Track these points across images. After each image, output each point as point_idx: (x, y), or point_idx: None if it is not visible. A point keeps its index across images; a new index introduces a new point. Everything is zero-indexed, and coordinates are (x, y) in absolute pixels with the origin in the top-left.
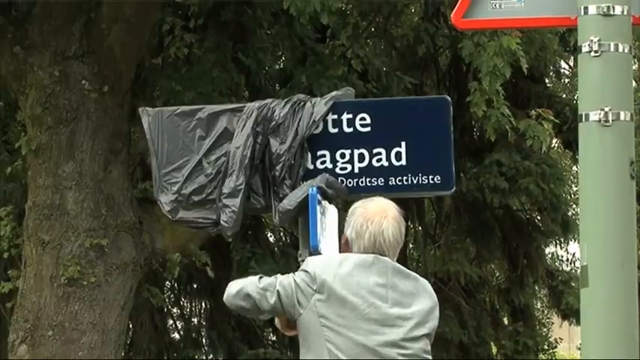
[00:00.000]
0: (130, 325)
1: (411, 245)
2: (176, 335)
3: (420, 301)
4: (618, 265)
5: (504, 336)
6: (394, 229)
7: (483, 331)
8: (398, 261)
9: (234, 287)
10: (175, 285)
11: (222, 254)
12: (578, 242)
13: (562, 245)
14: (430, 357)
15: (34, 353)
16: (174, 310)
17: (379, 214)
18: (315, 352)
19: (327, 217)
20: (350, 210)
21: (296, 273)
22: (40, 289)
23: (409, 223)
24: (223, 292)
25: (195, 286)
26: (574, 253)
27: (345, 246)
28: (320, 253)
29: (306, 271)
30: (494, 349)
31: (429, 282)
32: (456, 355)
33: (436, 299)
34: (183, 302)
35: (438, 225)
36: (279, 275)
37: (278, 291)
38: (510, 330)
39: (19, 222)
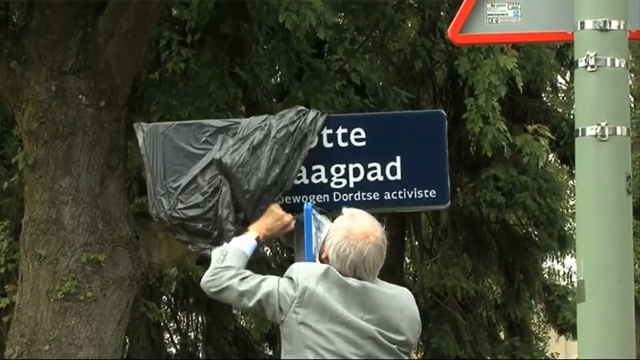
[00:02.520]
0: (127, 340)
1: (407, 260)
2: (173, 350)
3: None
4: (615, 279)
5: (501, 351)
6: (375, 255)
7: (480, 345)
8: (394, 277)
9: (212, 281)
10: (172, 299)
11: None
12: (575, 257)
13: (559, 260)
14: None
15: None
16: (171, 324)
17: (362, 239)
18: (296, 357)
19: (322, 232)
20: (334, 223)
21: (280, 280)
22: (36, 303)
23: (405, 238)
24: (220, 307)
25: (191, 300)
26: (570, 268)
27: (325, 260)
28: None
29: (290, 278)
30: None
31: (426, 297)
32: None
33: (416, 310)
34: (179, 316)
35: (434, 239)
36: (263, 280)
37: (260, 300)
38: (507, 345)
39: (15, 237)
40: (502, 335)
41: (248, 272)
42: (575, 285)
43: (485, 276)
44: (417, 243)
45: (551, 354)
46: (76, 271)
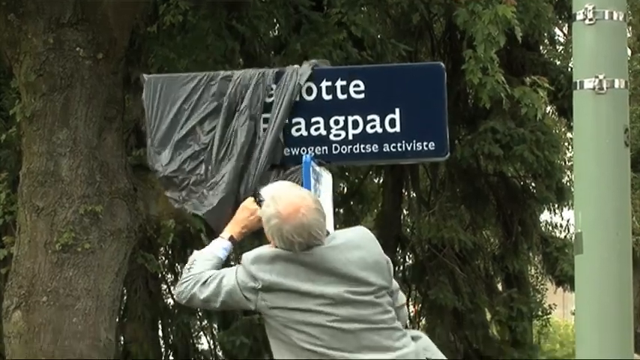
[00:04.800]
0: (125, 291)
1: (405, 211)
2: (170, 301)
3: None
4: (613, 232)
5: (498, 302)
6: (315, 219)
7: (477, 297)
8: (392, 229)
9: (180, 293)
10: (169, 251)
11: None
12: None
13: (556, 212)
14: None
15: (29, 319)
16: (169, 275)
17: (295, 215)
18: (278, 343)
19: (321, 183)
20: (264, 215)
21: (237, 272)
22: (34, 255)
23: (403, 189)
24: None
25: (189, 252)
26: (568, 220)
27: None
28: None
29: (245, 269)
30: (488, 316)
31: (423, 249)
32: (450, 322)
33: (376, 248)
34: (177, 268)
35: (432, 192)
36: (222, 279)
37: (225, 300)
38: (504, 296)
39: (13, 189)
40: (500, 287)
41: (208, 275)
42: (573, 237)
43: (482, 228)
44: (414, 195)
45: (549, 305)
46: (73, 223)
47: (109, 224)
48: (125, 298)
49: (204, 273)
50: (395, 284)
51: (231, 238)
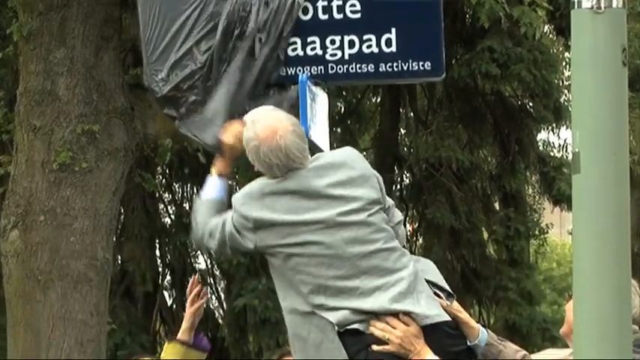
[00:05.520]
0: (122, 210)
1: (402, 131)
2: (167, 220)
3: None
4: (610, 151)
5: (495, 221)
6: (294, 141)
7: (475, 216)
8: (390, 148)
9: (197, 245)
10: (167, 170)
11: None
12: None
13: (554, 131)
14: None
15: (26, 238)
16: (166, 195)
17: (273, 137)
18: (282, 284)
19: (317, 103)
20: (244, 139)
21: (233, 217)
22: (31, 174)
23: (400, 109)
24: None
25: (186, 171)
26: (566, 140)
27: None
28: (311, 140)
29: (237, 212)
30: (485, 235)
31: (421, 168)
32: (447, 241)
33: (361, 164)
34: (174, 187)
35: (429, 111)
36: (224, 226)
37: (231, 246)
38: (501, 215)
39: (10, 108)
40: (497, 206)
41: (212, 225)
42: (570, 156)
43: (480, 147)
44: (412, 114)
45: (546, 225)
46: (70, 142)
47: (106, 143)
48: (122, 217)
49: (209, 223)
50: (389, 201)
51: (220, 175)
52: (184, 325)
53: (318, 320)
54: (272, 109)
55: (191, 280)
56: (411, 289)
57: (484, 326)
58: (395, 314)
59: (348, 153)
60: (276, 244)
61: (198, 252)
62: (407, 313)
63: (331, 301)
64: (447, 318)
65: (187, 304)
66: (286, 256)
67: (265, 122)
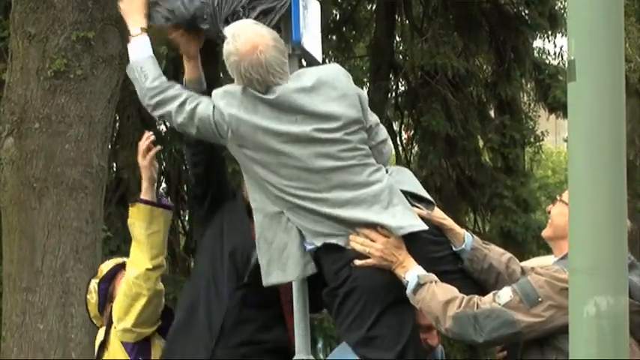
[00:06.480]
0: (117, 118)
1: (398, 39)
2: (163, 127)
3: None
4: (605, 59)
5: (491, 129)
6: (274, 57)
7: (470, 124)
8: (385, 55)
9: (156, 107)
10: None
11: (209, 48)
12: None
13: (549, 39)
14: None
15: (21, 145)
16: None
17: (252, 52)
18: (251, 182)
19: (309, 11)
20: (225, 56)
21: (214, 107)
22: (26, 81)
23: (396, 16)
24: (210, 87)
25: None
26: (562, 47)
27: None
28: (303, 48)
29: (216, 105)
30: (480, 142)
31: (416, 76)
32: (443, 148)
33: (345, 82)
34: None
35: (425, 18)
36: (197, 106)
37: (198, 127)
38: (497, 123)
39: (5, 15)
40: (492, 114)
41: (183, 94)
42: (566, 64)
43: (475, 55)
44: (407, 22)
45: (541, 132)
46: (65, 49)
47: (101, 51)
48: (117, 124)
49: (175, 89)
50: (373, 119)
51: (142, 29)
52: (144, 184)
53: (285, 222)
54: (253, 23)
55: (144, 136)
56: (386, 203)
57: (478, 234)
58: (371, 226)
59: (331, 70)
60: (246, 146)
61: None
62: (382, 227)
63: (301, 210)
64: (424, 227)
65: (139, 159)
66: (255, 160)
67: (246, 37)
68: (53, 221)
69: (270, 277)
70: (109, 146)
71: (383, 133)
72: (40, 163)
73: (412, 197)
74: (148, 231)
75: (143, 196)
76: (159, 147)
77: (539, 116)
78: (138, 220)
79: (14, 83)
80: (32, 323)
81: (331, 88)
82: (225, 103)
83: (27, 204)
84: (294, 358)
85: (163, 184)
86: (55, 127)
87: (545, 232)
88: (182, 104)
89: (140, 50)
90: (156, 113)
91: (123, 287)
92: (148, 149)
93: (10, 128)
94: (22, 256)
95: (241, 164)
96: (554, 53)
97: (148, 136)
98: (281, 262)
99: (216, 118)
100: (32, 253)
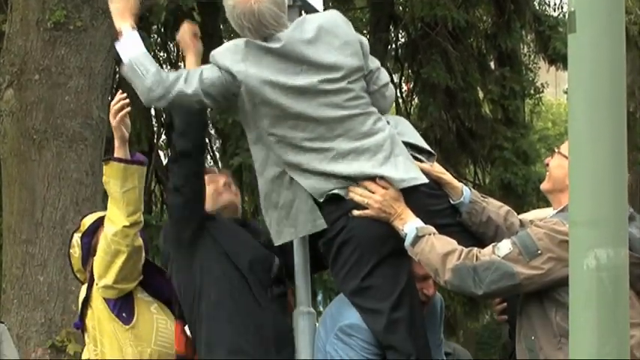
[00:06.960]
0: (117, 70)
1: None
2: None
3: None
4: (606, 10)
5: (491, 81)
6: (268, 8)
7: (470, 75)
8: (385, 7)
9: (163, 96)
10: (162, 29)
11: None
12: None
13: None
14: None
15: (21, 97)
16: (161, 54)
17: (246, 2)
18: (254, 127)
19: None
20: (224, 3)
21: (220, 70)
22: (26, 33)
23: None
24: (211, 37)
25: None
26: None
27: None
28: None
29: (221, 65)
30: (480, 94)
31: (416, 27)
32: (443, 100)
33: (347, 29)
34: (169, 46)
35: None
36: (202, 71)
37: (217, 88)
38: (497, 75)
39: None
40: (492, 65)
41: (183, 72)
42: (566, 15)
43: (475, 6)
44: None
45: (541, 84)
46: (65, 1)
47: (100, 2)
48: (117, 76)
49: (172, 72)
50: (374, 63)
51: (132, 27)
52: (116, 143)
53: (288, 181)
54: None
55: (117, 97)
56: (388, 153)
57: (478, 186)
58: (372, 178)
59: (332, 17)
60: (253, 100)
61: None
62: (383, 178)
63: (305, 164)
64: (425, 180)
65: (110, 119)
66: (260, 113)
67: None
68: (53, 173)
69: (283, 235)
70: (109, 98)
71: (384, 76)
72: (39, 115)
73: (413, 149)
74: (123, 189)
75: (116, 154)
76: (129, 109)
77: (539, 68)
78: (112, 178)
79: (14, 35)
80: (32, 275)
81: (333, 36)
82: (230, 61)
83: (27, 155)
84: (296, 310)
85: (163, 136)
86: (54, 79)
87: (544, 185)
88: (186, 78)
89: (134, 47)
90: (164, 101)
91: (102, 244)
92: (121, 108)
93: (10, 79)
94: (21, 208)
95: (244, 118)
96: (554, 5)
97: (120, 97)
98: (291, 219)
99: (225, 77)
100: (32, 204)
